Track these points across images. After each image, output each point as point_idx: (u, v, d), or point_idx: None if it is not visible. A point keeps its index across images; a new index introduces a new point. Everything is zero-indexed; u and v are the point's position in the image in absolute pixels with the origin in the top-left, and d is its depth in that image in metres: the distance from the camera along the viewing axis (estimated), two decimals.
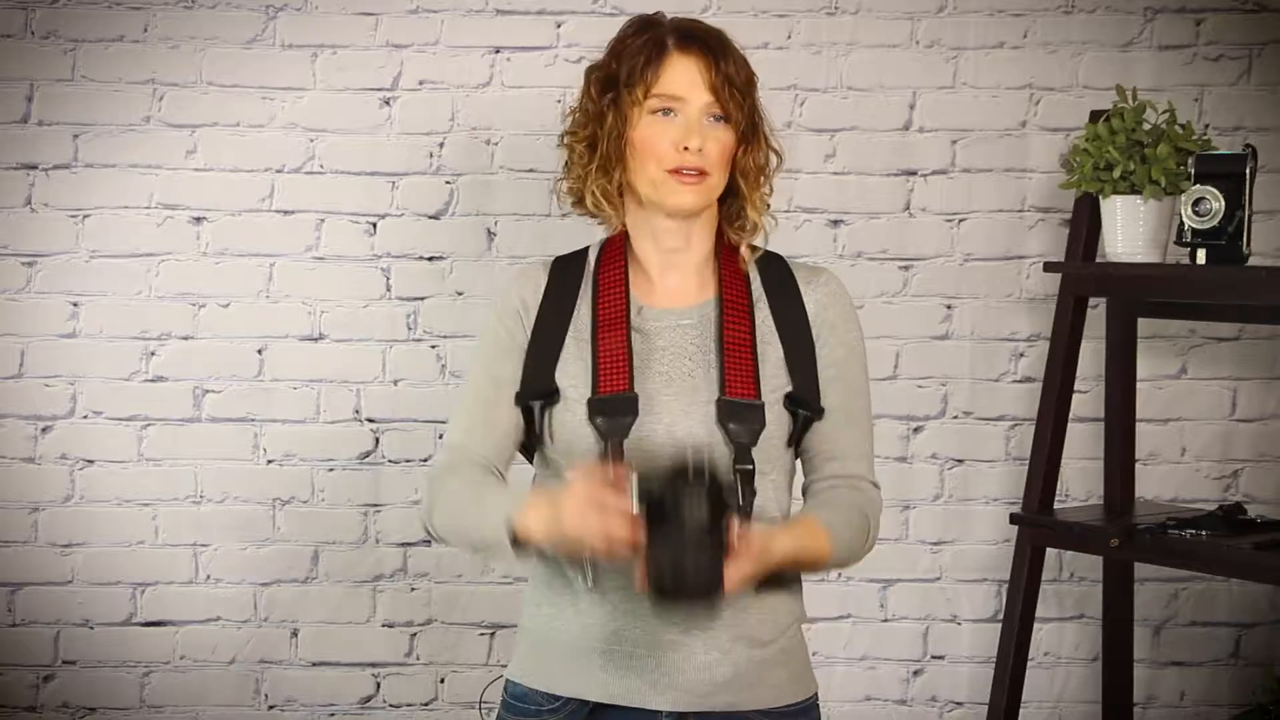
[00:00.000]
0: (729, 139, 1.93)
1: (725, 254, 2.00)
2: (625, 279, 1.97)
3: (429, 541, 3.14)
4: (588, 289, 1.99)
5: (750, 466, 1.87)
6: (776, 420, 1.92)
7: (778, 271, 2.01)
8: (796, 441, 1.96)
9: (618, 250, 2.00)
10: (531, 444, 2.00)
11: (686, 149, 1.90)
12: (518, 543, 1.82)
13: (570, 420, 1.91)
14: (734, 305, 1.96)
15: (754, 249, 2.03)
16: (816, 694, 2.01)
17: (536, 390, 1.94)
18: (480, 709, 2.05)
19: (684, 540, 1.69)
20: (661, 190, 1.93)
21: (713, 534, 1.70)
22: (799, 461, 2.00)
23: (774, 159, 2.00)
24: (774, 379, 1.94)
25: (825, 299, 1.99)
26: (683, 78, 1.91)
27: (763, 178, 1.98)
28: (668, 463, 1.73)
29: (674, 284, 1.99)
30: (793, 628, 1.98)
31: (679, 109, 1.91)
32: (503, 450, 1.98)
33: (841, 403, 1.97)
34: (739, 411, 1.89)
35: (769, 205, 2.00)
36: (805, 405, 1.94)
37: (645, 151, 1.92)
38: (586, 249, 2.03)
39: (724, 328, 1.94)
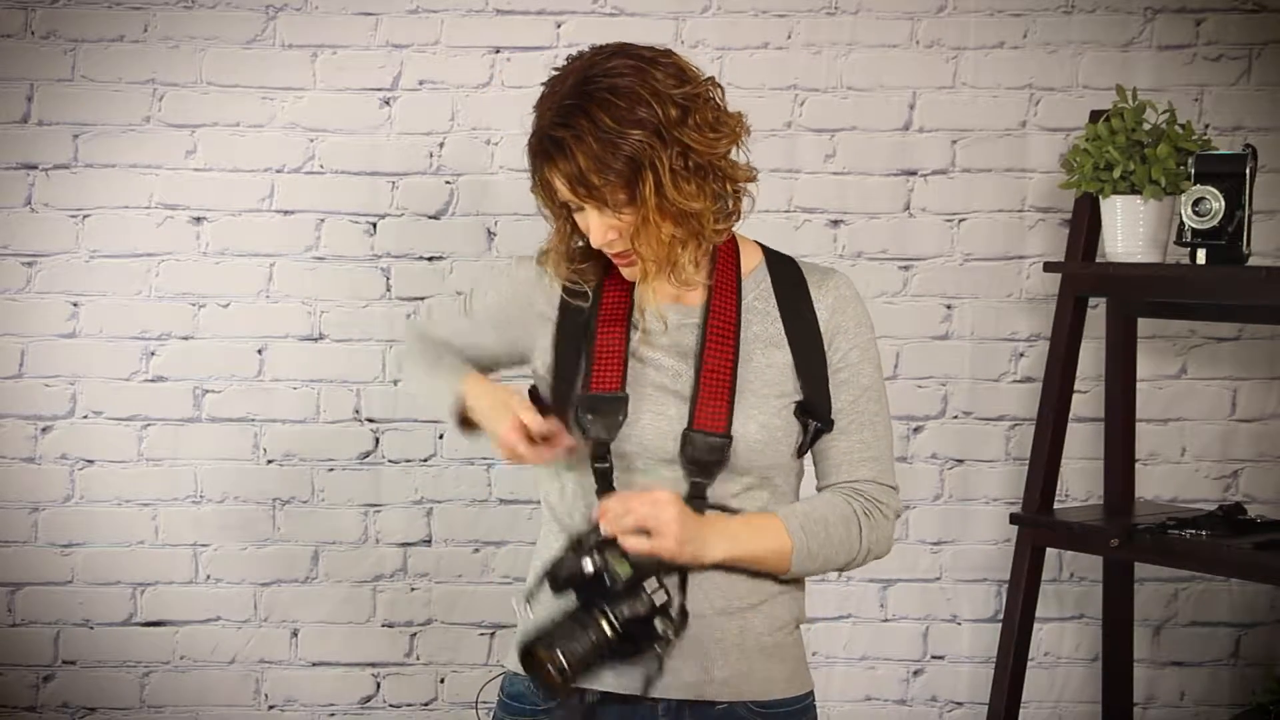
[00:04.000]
0: (630, 214, 1.85)
1: (724, 251, 1.97)
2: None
3: (429, 541, 3.14)
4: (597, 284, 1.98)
5: (704, 501, 1.87)
6: (784, 428, 1.91)
7: (788, 274, 1.99)
8: (809, 448, 1.96)
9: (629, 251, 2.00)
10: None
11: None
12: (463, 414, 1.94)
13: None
14: (718, 323, 1.93)
15: (765, 250, 2.02)
16: (812, 693, 2.01)
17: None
18: (478, 709, 2.04)
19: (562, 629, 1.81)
20: (617, 265, 1.94)
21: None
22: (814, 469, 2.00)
23: (695, 200, 1.84)
24: (781, 384, 1.93)
25: (837, 302, 1.99)
26: (558, 187, 1.86)
27: (701, 203, 1.84)
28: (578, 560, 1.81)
29: (674, 285, 1.97)
30: (789, 625, 1.98)
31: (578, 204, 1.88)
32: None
33: (850, 405, 1.96)
34: (701, 446, 1.87)
35: (739, 195, 1.91)
36: (815, 414, 1.93)
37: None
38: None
39: (705, 349, 1.92)
